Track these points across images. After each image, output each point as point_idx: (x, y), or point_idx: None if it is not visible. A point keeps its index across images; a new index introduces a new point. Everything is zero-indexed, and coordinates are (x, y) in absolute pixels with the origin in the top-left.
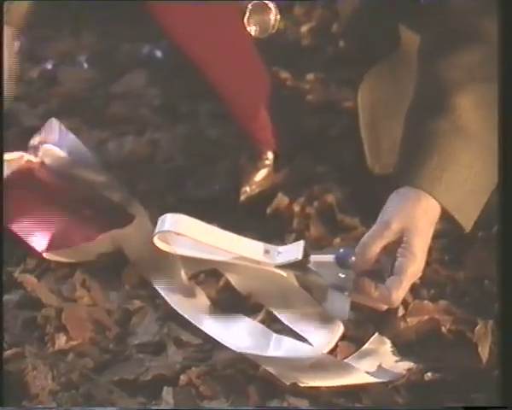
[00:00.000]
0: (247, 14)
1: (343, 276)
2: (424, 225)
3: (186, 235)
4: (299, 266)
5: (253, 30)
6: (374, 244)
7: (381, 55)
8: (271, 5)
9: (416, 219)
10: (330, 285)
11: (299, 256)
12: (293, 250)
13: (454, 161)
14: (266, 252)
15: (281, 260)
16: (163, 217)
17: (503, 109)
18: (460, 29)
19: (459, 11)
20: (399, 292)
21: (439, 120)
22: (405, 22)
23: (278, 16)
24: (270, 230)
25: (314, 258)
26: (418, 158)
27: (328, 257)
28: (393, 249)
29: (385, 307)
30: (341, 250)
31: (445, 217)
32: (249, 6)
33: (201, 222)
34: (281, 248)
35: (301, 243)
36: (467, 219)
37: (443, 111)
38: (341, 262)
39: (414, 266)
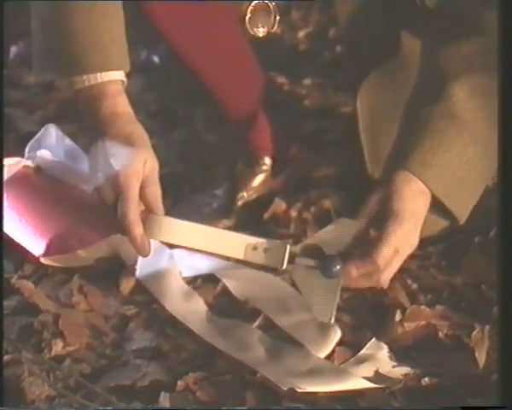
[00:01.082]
0: (249, 15)
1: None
2: (413, 201)
3: (165, 241)
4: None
5: (258, 32)
6: (390, 246)
7: (380, 60)
8: (271, 6)
9: (403, 193)
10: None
11: (283, 266)
12: (279, 252)
13: (445, 148)
14: (254, 249)
15: (266, 261)
16: None
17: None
18: (460, 21)
19: (459, 3)
20: (384, 254)
21: (433, 106)
22: (405, 27)
23: (277, 17)
24: (268, 235)
25: (299, 261)
26: (410, 142)
27: (313, 262)
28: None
29: (378, 280)
30: (326, 257)
31: (437, 206)
32: (250, 7)
33: (181, 221)
34: (268, 244)
35: (287, 247)
36: (459, 207)
37: (438, 98)
38: (325, 270)
39: (398, 228)
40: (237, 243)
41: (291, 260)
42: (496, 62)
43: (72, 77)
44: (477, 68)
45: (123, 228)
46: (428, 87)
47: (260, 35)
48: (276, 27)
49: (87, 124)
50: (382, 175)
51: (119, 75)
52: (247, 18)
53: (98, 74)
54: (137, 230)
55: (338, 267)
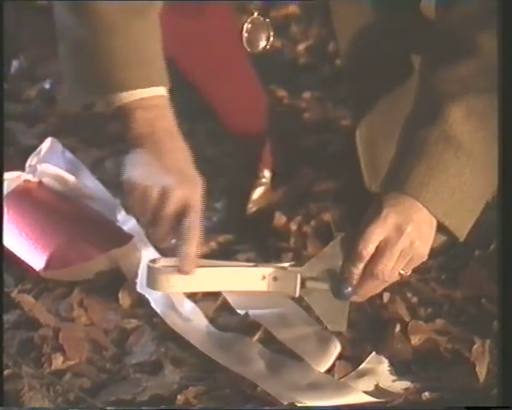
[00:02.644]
0: (245, 33)
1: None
2: (420, 219)
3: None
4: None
5: (255, 48)
6: (374, 235)
7: (389, 82)
8: (267, 21)
9: (414, 216)
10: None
11: (296, 294)
12: (290, 280)
13: (442, 170)
14: (263, 278)
15: (277, 289)
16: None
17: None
18: (457, 43)
19: (456, 26)
20: (367, 246)
21: (430, 128)
22: (406, 46)
23: (272, 32)
24: (268, 248)
25: (310, 285)
26: (407, 165)
27: (324, 285)
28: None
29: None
30: (337, 280)
31: (439, 227)
32: (247, 24)
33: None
34: (277, 273)
35: (298, 276)
36: (458, 226)
37: (435, 120)
38: (337, 293)
39: (379, 223)
40: (246, 277)
41: (302, 285)
42: (494, 82)
43: (111, 94)
44: (473, 90)
45: (184, 238)
46: (425, 108)
47: (256, 51)
48: (270, 44)
49: (129, 137)
50: (378, 197)
51: (160, 91)
52: (243, 35)
53: (139, 91)
54: (195, 247)
55: (350, 290)
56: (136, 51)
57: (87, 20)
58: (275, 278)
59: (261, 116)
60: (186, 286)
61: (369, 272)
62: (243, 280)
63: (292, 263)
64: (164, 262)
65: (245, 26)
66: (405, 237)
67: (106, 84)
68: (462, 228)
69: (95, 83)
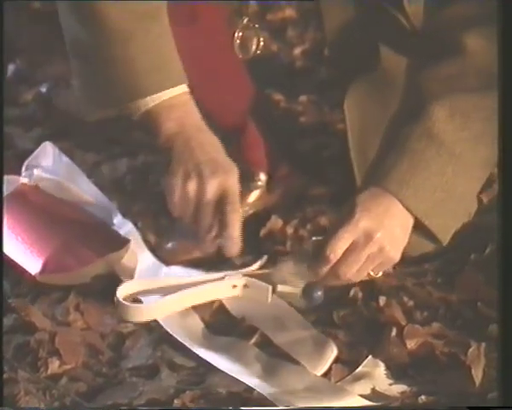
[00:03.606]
0: (238, 40)
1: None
2: (377, 209)
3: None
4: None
5: (245, 54)
6: (342, 239)
7: (362, 74)
8: (257, 27)
9: (369, 205)
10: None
11: (268, 300)
12: (261, 287)
13: (424, 167)
14: (234, 287)
15: (249, 295)
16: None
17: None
18: (443, 43)
19: (443, 26)
20: (335, 247)
21: (413, 126)
22: (387, 43)
23: (262, 38)
24: (264, 252)
25: (281, 288)
26: (389, 161)
27: (295, 289)
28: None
29: (338, 273)
30: (307, 284)
31: (420, 228)
32: (238, 31)
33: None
34: (247, 281)
35: (269, 285)
36: (440, 228)
37: (419, 118)
38: (307, 296)
39: (350, 223)
40: (217, 289)
41: (274, 290)
42: (479, 83)
43: (135, 101)
44: (457, 89)
45: (225, 226)
46: (410, 106)
47: (247, 57)
48: (260, 49)
49: (159, 139)
50: (353, 197)
51: (182, 89)
52: (235, 42)
53: (162, 93)
54: (238, 229)
55: (319, 293)
56: (155, 56)
57: (100, 31)
58: (246, 286)
59: (256, 119)
60: (157, 313)
61: (332, 271)
62: (214, 293)
63: (260, 265)
64: (130, 286)
65: (236, 34)
66: (374, 242)
67: (129, 92)
68: (444, 230)
69: (115, 93)
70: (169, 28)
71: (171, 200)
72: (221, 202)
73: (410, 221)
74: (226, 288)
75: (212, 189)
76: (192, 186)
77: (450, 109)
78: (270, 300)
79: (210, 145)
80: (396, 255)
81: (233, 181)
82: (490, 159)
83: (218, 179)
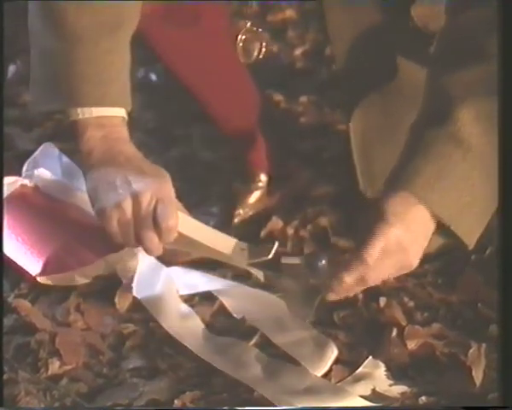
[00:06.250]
0: (240, 43)
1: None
2: (406, 215)
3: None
4: (271, 267)
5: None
6: (378, 243)
7: (374, 80)
8: (260, 32)
9: (398, 210)
10: (301, 290)
11: (270, 255)
12: (266, 250)
13: (450, 172)
14: (242, 250)
15: (252, 257)
16: None
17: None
18: (466, 48)
19: (466, 30)
20: (371, 250)
21: (439, 129)
22: (401, 51)
23: (264, 42)
24: (262, 251)
25: (284, 260)
26: (414, 165)
27: (298, 259)
28: None
29: (367, 279)
30: (311, 253)
31: (444, 231)
32: (240, 35)
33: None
34: (256, 248)
35: (275, 245)
36: (466, 231)
37: (444, 122)
38: (310, 265)
39: (385, 228)
40: (230, 244)
41: (277, 259)
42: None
43: (67, 108)
44: (481, 93)
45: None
46: (433, 110)
47: (249, 61)
48: (262, 54)
49: (81, 152)
50: (380, 194)
51: (116, 112)
52: (238, 46)
53: (94, 109)
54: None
55: (323, 262)
56: (98, 68)
57: (56, 30)
58: (251, 251)
59: (256, 120)
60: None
61: (360, 277)
62: (222, 244)
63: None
64: None
65: (239, 38)
66: (403, 249)
67: (66, 97)
68: (469, 234)
69: (55, 93)
70: (125, 47)
71: (110, 228)
72: (157, 213)
73: (432, 227)
74: (236, 246)
75: (146, 202)
76: (127, 207)
77: (475, 113)
78: (271, 256)
79: (135, 158)
80: (415, 262)
81: (164, 186)
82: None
83: (151, 191)
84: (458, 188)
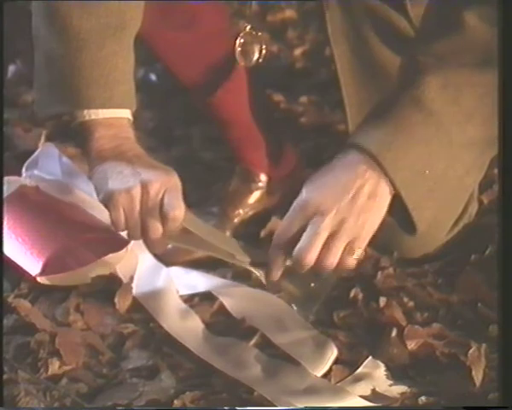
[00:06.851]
0: (239, 47)
1: (313, 285)
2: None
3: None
4: None
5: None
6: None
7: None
8: (259, 35)
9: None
10: (301, 294)
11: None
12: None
13: (408, 133)
14: (244, 249)
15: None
16: None
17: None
18: (442, 19)
19: (442, 4)
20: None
21: (403, 92)
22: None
23: (264, 45)
24: (264, 253)
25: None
26: (374, 123)
27: None
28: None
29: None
30: None
31: (396, 201)
32: (239, 39)
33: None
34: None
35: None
36: (416, 205)
37: (409, 85)
38: None
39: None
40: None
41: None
42: (475, 59)
43: (74, 111)
44: (453, 64)
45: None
46: (403, 76)
47: (249, 65)
48: (262, 57)
49: (91, 153)
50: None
51: (122, 113)
52: (236, 49)
53: (100, 111)
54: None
55: None
56: (104, 71)
57: (61, 34)
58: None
59: (256, 120)
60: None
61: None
62: (227, 244)
63: None
64: None
65: (237, 41)
66: (330, 218)
67: (73, 99)
68: (419, 208)
69: (61, 97)
70: (129, 49)
71: (116, 213)
72: (164, 202)
73: (386, 190)
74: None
75: (154, 192)
76: (135, 193)
77: (443, 80)
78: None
79: (145, 159)
80: (370, 227)
81: (173, 181)
82: (477, 142)
83: (160, 182)
84: (415, 152)
